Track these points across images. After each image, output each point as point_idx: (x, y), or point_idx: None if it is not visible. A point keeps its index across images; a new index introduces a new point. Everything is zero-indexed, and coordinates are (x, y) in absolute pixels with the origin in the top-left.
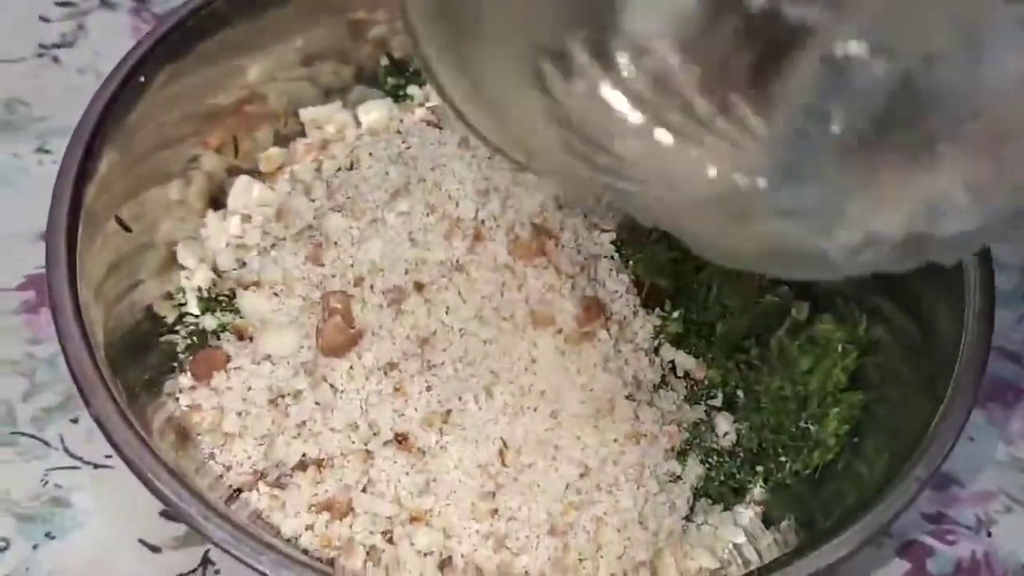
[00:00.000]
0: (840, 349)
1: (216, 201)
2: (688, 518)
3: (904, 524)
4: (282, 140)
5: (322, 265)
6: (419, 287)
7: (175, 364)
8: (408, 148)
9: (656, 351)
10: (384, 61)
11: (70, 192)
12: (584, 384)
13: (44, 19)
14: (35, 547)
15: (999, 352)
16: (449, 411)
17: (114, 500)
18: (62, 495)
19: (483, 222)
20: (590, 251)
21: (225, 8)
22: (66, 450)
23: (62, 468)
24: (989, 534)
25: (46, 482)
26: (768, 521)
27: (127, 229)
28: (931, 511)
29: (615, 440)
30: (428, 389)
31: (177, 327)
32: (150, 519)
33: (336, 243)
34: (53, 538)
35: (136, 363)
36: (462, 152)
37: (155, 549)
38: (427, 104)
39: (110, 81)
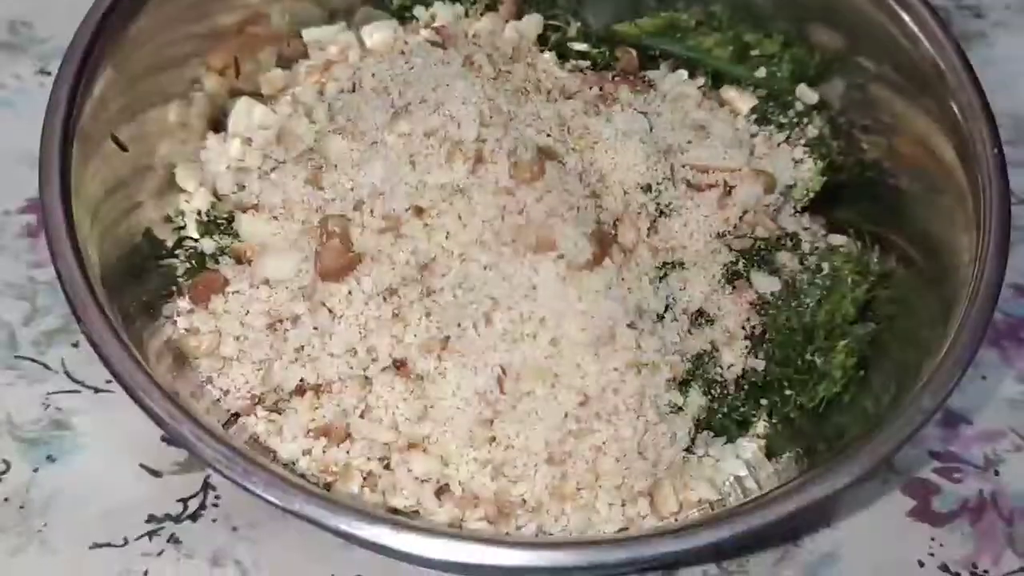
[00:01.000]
0: (851, 281)
1: (217, 123)
2: (689, 449)
3: (910, 461)
4: (285, 62)
5: (322, 189)
6: (419, 211)
7: (174, 288)
8: (411, 69)
9: (661, 280)
10: None
11: (63, 109)
12: (585, 311)
13: None
14: (36, 470)
15: (1016, 289)
16: (448, 337)
17: (115, 424)
18: (63, 418)
19: (485, 143)
20: (602, 171)
21: None
22: (67, 374)
23: (63, 392)
24: (997, 473)
25: (47, 405)
26: (771, 454)
27: (124, 149)
28: (938, 449)
29: (615, 369)
30: (427, 315)
31: (177, 251)
32: (151, 444)
33: (336, 166)
34: (54, 461)
35: (134, 286)
36: (465, 72)
37: (156, 473)
38: (433, 24)
39: None
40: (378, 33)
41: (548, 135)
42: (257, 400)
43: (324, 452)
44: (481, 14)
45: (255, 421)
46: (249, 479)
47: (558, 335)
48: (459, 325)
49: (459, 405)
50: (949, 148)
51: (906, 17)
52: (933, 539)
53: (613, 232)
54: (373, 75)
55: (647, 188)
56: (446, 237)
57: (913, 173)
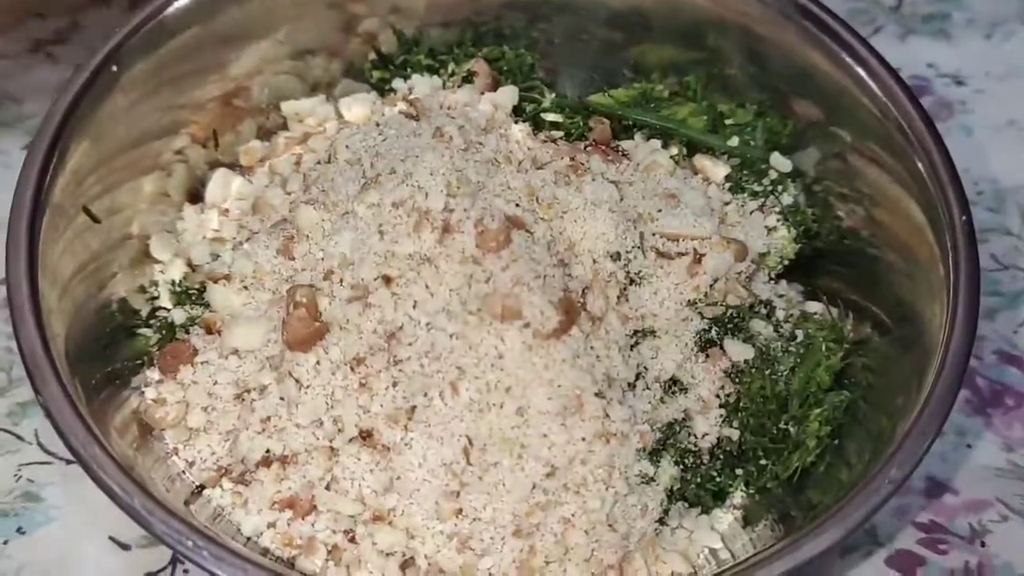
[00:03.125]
0: (825, 349)
1: (195, 194)
2: (662, 521)
3: (894, 531)
4: (265, 134)
5: (293, 259)
6: (387, 280)
7: (145, 357)
8: (384, 140)
9: (632, 349)
10: (371, 55)
11: (33, 184)
12: (551, 380)
13: (39, 15)
14: (5, 542)
15: (1001, 356)
16: (414, 407)
17: (85, 496)
18: (34, 490)
19: (452, 213)
20: (571, 240)
21: (208, 0)
22: (40, 445)
23: (35, 463)
24: (983, 544)
25: (19, 477)
26: (747, 522)
27: (96, 220)
28: (923, 519)
29: (583, 439)
30: (394, 385)
31: (151, 320)
32: (121, 516)
33: (308, 236)
34: (24, 533)
35: (104, 356)
36: (435, 143)
37: (124, 546)
38: (410, 96)
39: (79, 73)
40: (356, 106)
41: (517, 205)
42: (223, 472)
43: (288, 525)
44: (458, 86)
45: (220, 493)
46: (200, 554)
47: (524, 404)
48: (425, 395)
49: (425, 476)
50: (920, 215)
51: (875, 87)
52: None
53: (581, 300)
54: (347, 147)
55: (616, 256)
56: (413, 306)
57: (887, 240)
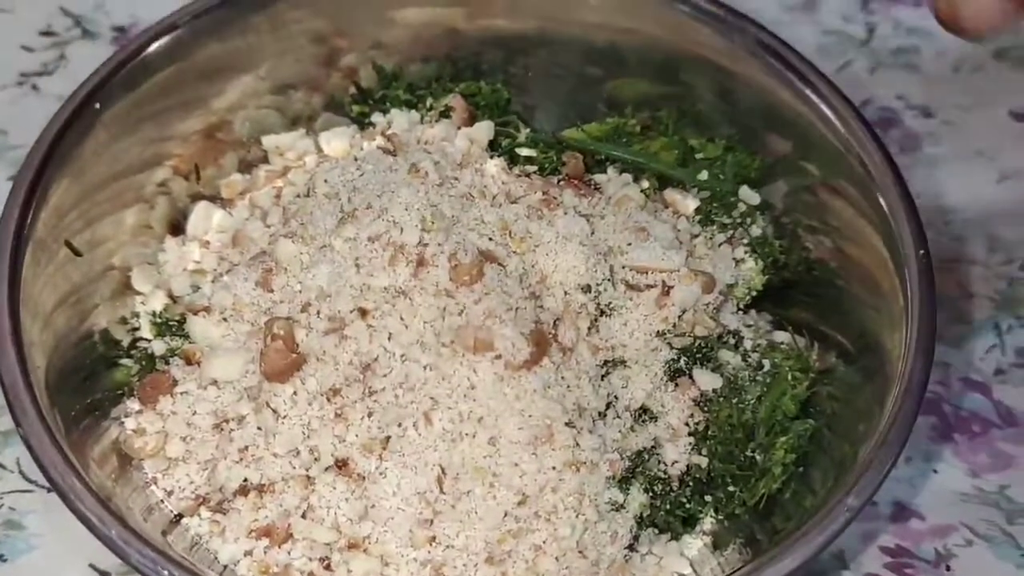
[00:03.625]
0: (791, 378)
1: (176, 226)
2: (632, 547)
3: (860, 556)
4: (246, 167)
5: (271, 291)
6: (363, 313)
7: (125, 388)
8: (362, 175)
9: (603, 379)
10: (352, 90)
11: (16, 219)
12: (523, 410)
13: (26, 48)
14: None
15: (967, 383)
16: (389, 437)
17: (66, 524)
18: (15, 518)
19: (427, 247)
20: (543, 273)
21: (188, 37)
22: (22, 473)
23: (17, 491)
24: (948, 568)
25: (1, 505)
26: (715, 547)
27: (78, 254)
28: (889, 544)
29: (553, 467)
30: (369, 415)
31: (132, 351)
32: (100, 545)
33: (286, 269)
34: (5, 561)
35: (84, 387)
36: (410, 179)
37: (105, 574)
38: (388, 132)
39: (63, 109)
40: (336, 140)
41: (490, 239)
42: (201, 500)
43: (265, 553)
44: (436, 121)
45: (198, 522)
46: None
47: (496, 434)
48: (400, 425)
49: (399, 505)
50: (882, 248)
51: (838, 123)
52: None
53: (552, 332)
54: (326, 181)
55: (587, 289)
56: (388, 338)
57: (853, 272)
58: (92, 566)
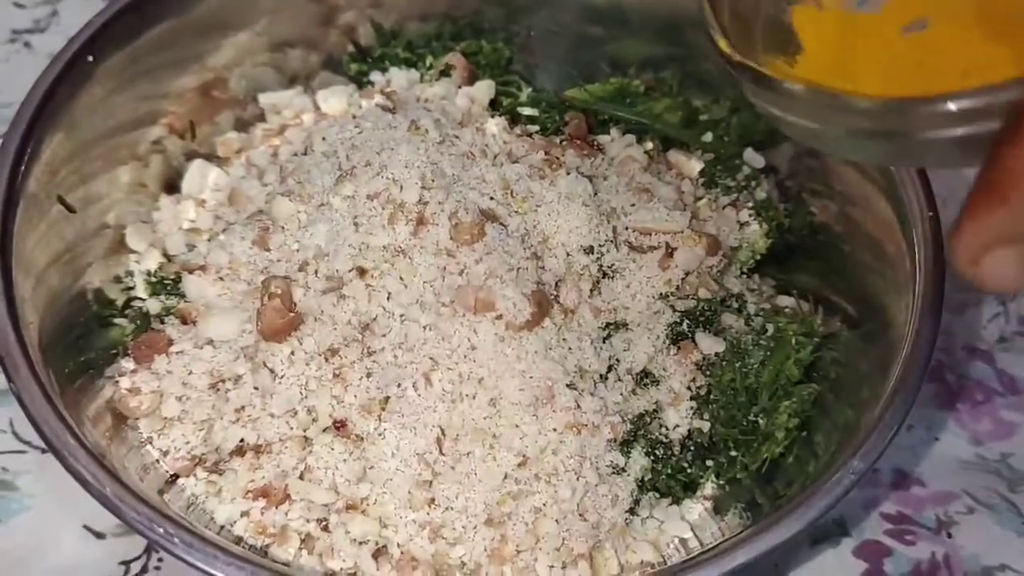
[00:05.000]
0: (795, 342)
1: (171, 185)
2: (633, 511)
3: (862, 522)
4: (243, 125)
5: (269, 250)
6: (362, 272)
7: (119, 348)
8: (360, 132)
9: (604, 341)
10: (350, 48)
11: (7, 174)
12: (523, 371)
13: (18, 5)
14: None
15: (970, 351)
16: (388, 398)
17: (60, 485)
18: (8, 479)
19: (426, 206)
20: (545, 233)
21: None
22: (15, 434)
23: (10, 452)
24: (950, 535)
25: None
26: (716, 512)
27: (71, 210)
28: (891, 511)
29: (554, 429)
30: (368, 375)
31: (126, 311)
32: (95, 505)
33: (284, 228)
34: None
35: (78, 346)
36: (411, 136)
37: (99, 535)
38: (387, 89)
39: (56, 61)
40: (333, 98)
41: (491, 198)
42: (197, 461)
43: (262, 514)
44: (435, 80)
45: (194, 482)
46: (171, 541)
47: (497, 395)
48: (399, 385)
49: (398, 466)
50: (889, 211)
51: None
52: None
53: (554, 293)
54: (324, 139)
55: (589, 250)
56: (387, 298)
57: (857, 236)
58: (87, 527)
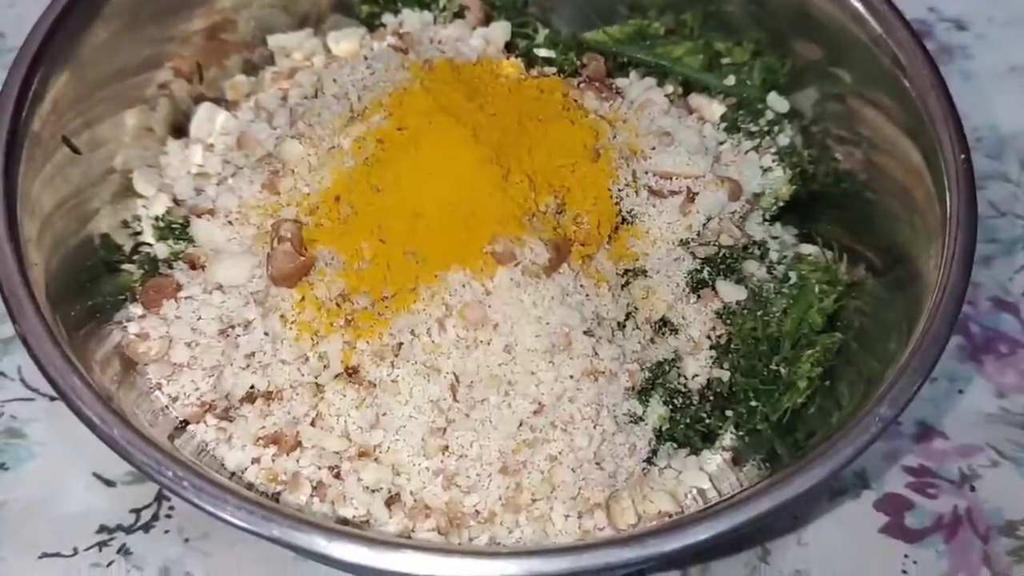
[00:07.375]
0: (818, 291)
1: (179, 129)
2: (650, 461)
3: (883, 475)
4: (251, 68)
5: (278, 193)
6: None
7: (128, 293)
8: (372, 73)
9: (623, 288)
10: None
11: (10, 114)
12: (540, 317)
13: None
14: None
15: (995, 302)
16: (401, 344)
17: (69, 433)
18: (17, 426)
19: None
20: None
21: None
22: (23, 381)
23: (19, 400)
24: (973, 488)
25: (2, 413)
26: (736, 462)
27: (76, 151)
28: (913, 463)
29: (571, 376)
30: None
31: (134, 256)
32: (105, 453)
33: (293, 171)
34: (7, 469)
35: (86, 291)
36: (424, 75)
37: (109, 483)
38: (400, 31)
39: (58, 1)
40: (345, 40)
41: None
42: (207, 407)
43: (273, 461)
44: (449, 21)
45: (204, 429)
46: (180, 484)
47: (512, 342)
48: (412, 331)
49: (411, 413)
50: (917, 155)
51: (875, 24)
52: (907, 556)
53: (572, 239)
54: (335, 81)
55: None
56: None
57: (884, 183)
58: (96, 475)
